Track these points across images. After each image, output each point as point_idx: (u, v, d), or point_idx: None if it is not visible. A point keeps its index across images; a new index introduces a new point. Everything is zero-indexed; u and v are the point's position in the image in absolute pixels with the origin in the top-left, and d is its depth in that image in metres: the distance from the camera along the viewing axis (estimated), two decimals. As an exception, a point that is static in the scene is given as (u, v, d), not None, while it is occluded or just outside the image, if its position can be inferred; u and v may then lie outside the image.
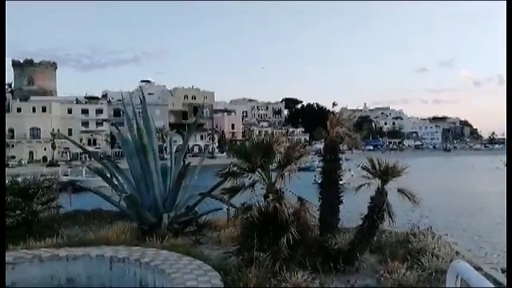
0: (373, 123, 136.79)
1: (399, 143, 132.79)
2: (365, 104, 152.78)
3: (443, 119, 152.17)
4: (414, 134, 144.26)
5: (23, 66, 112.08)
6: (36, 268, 6.22)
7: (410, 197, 5.62)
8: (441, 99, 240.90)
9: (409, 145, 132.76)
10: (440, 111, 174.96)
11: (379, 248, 6.62)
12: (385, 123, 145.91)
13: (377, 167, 5.69)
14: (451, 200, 30.66)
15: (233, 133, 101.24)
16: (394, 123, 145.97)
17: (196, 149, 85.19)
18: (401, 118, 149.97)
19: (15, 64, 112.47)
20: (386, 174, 5.63)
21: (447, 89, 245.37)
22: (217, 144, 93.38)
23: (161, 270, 5.55)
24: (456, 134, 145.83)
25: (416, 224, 7.52)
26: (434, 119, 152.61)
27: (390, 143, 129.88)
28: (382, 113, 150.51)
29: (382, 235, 6.91)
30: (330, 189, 5.93)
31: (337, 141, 5.85)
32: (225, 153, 76.27)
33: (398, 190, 5.66)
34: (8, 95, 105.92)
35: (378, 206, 5.64)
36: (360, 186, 5.93)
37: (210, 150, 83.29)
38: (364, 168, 5.85)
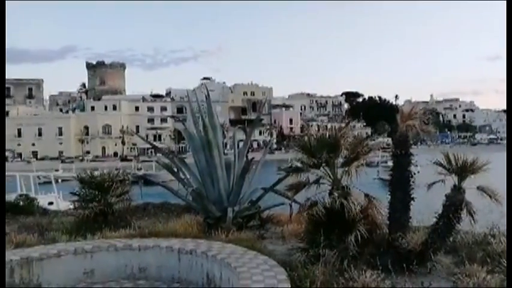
0: (440, 116, 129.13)
1: (470, 136, 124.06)
2: (431, 95, 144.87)
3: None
4: (487, 127, 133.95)
5: (96, 68, 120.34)
6: (112, 257, 6.62)
7: (492, 195, 5.17)
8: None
9: (481, 139, 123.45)
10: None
11: (455, 249, 6.21)
12: (454, 116, 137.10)
13: (453, 162, 5.30)
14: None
15: (291, 128, 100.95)
16: (464, 116, 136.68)
17: (255, 144, 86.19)
18: (472, 110, 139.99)
19: (89, 66, 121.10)
20: (464, 170, 5.23)
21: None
22: (275, 139, 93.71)
23: (227, 263, 5.64)
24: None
25: (496, 224, 6.94)
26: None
27: (460, 136, 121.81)
28: (451, 105, 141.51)
29: (457, 235, 6.46)
30: (401, 185, 5.64)
31: (408, 136, 5.55)
32: (283, 148, 76.30)
33: (478, 188, 5.24)
34: (83, 95, 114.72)
35: (455, 205, 5.27)
36: (433, 182, 5.57)
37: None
38: (438, 163, 5.48)
